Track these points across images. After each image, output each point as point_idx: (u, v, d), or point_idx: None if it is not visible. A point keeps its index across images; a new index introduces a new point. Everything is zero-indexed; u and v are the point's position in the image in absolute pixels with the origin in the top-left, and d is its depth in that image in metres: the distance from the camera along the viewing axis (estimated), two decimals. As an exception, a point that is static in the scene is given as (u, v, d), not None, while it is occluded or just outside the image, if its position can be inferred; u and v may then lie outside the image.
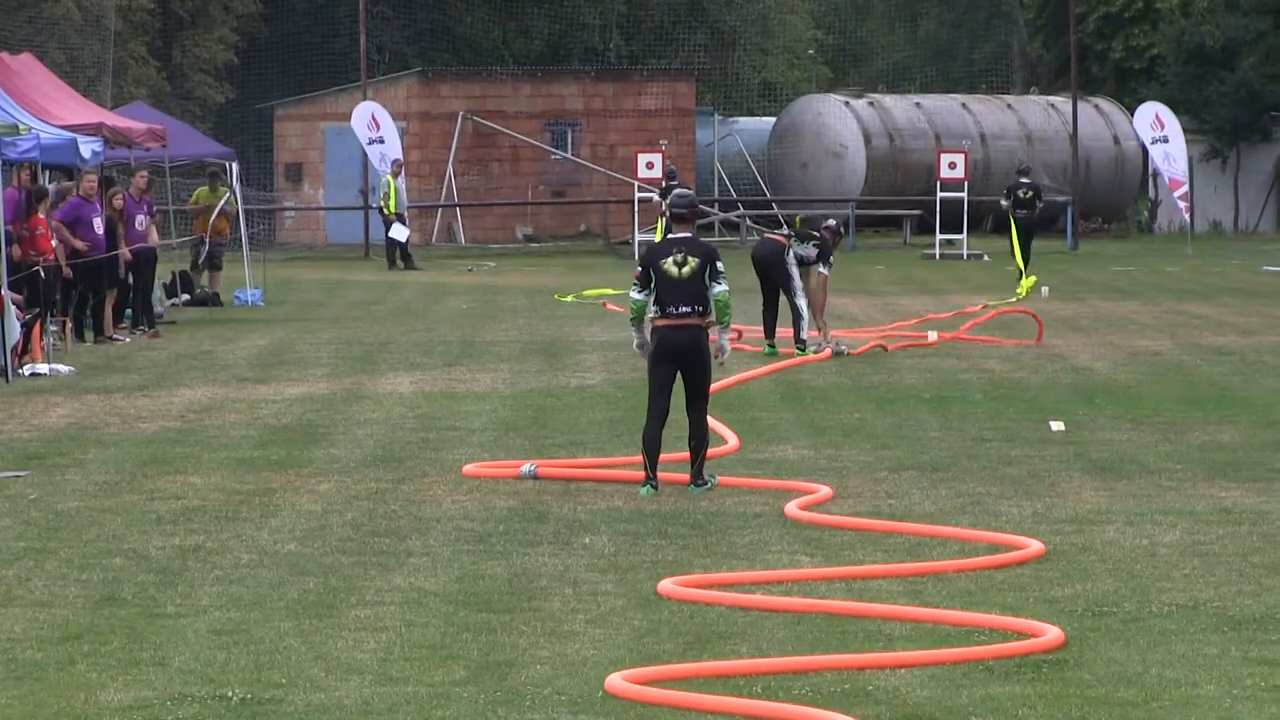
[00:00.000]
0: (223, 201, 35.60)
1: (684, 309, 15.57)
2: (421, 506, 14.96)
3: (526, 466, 16.26)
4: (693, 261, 15.55)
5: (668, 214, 17.11)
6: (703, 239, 17.31)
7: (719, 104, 61.49)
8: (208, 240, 36.04)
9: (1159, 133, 53.99)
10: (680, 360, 15.68)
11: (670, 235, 16.38)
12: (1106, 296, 36.92)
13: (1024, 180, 43.68)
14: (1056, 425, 18.86)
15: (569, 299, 34.67)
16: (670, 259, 15.62)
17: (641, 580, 12.13)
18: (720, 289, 15.69)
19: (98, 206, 28.65)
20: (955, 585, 12.06)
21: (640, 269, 15.95)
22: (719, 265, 15.69)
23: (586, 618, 11.18)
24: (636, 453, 16.03)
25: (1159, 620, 11.06)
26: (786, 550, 13.27)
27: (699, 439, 15.84)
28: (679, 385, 15.71)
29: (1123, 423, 19.43)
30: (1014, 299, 31.56)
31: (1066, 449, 17.72)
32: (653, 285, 15.64)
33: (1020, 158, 54.75)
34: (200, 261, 35.95)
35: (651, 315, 15.81)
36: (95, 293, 28.27)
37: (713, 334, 15.91)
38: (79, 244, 27.66)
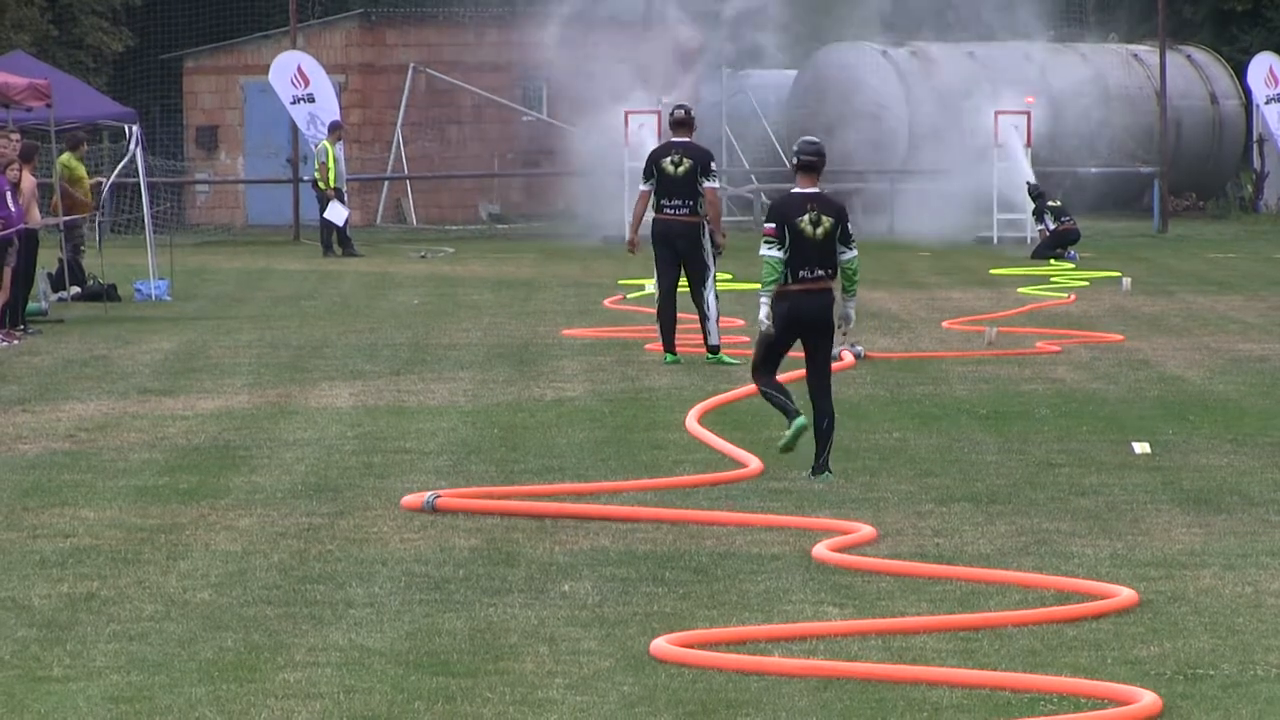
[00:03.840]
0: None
1: (819, 272, 16.99)
2: (364, 546, 14.96)
3: (427, 495, 16.37)
4: (826, 221, 16.94)
5: (795, 162, 18.02)
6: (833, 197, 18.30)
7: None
8: (98, 219, 36.23)
9: (1273, 90, 54.19)
10: (810, 329, 17.06)
11: (798, 190, 17.49)
12: (1201, 289, 37.03)
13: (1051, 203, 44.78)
14: (1141, 447, 18.90)
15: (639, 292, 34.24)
16: (805, 217, 16.90)
17: (633, 637, 12.11)
18: (851, 254, 17.26)
19: (8, 177, 28.82)
20: (1017, 643, 12.07)
21: (774, 225, 17.03)
22: (850, 227, 17.21)
23: (566, 682, 11.15)
24: (620, 479, 16.17)
25: (1265, 685, 11.05)
26: (811, 600, 13.28)
27: (829, 419, 17.14)
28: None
29: (1222, 444, 19.50)
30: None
31: (1153, 476, 17.76)
32: (787, 245, 16.77)
33: (1095, 118, 54.94)
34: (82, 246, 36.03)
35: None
36: None
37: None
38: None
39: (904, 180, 55.64)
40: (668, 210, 23.17)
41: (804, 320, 16.97)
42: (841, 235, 17.19)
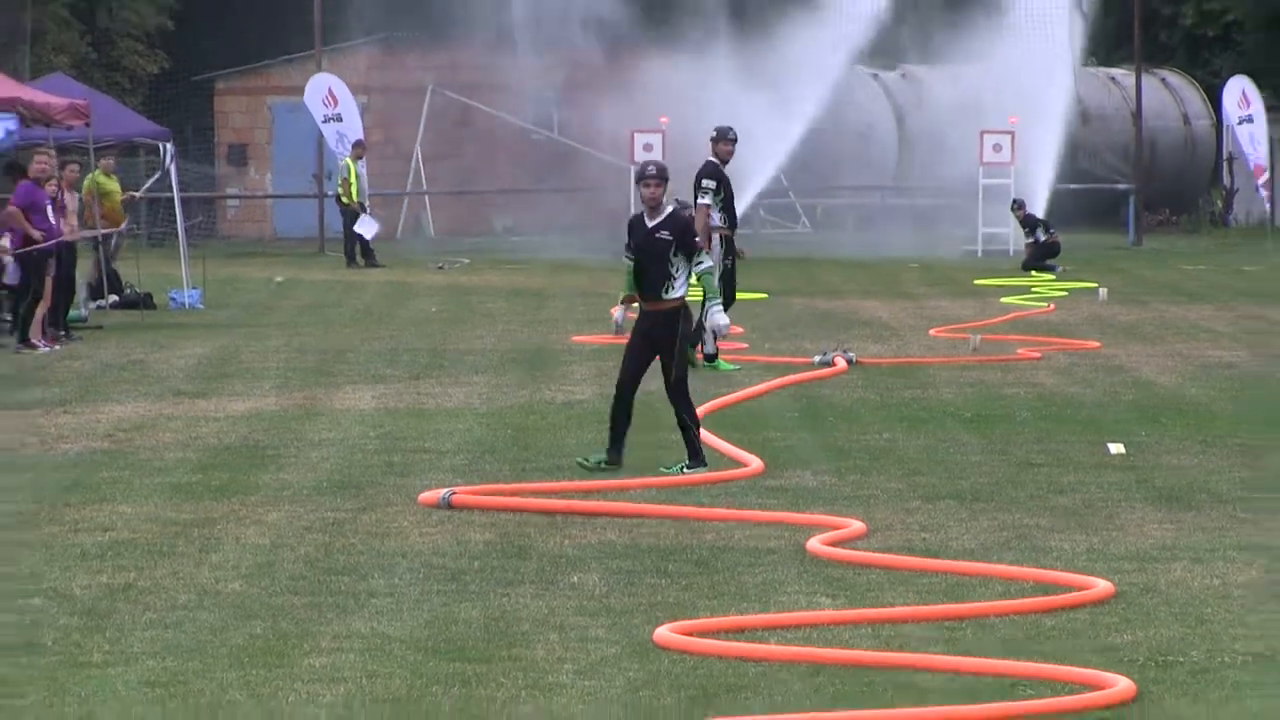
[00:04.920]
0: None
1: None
2: (385, 540, 14.96)
3: (443, 493, 16.35)
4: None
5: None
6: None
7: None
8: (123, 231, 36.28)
9: (1245, 111, 54.10)
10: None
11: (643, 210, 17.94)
12: (1174, 300, 36.99)
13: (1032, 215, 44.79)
14: (1115, 448, 18.91)
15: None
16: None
17: (638, 625, 12.12)
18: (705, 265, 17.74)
19: (48, 191, 28.90)
20: (998, 632, 12.08)
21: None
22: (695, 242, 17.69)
23: (575, 668, 11.17)
24: (625, 477, 16.20)
25: (1232, 671, 11.05)
26: (805, 591, 13.29)
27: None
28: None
29: (1192, 445, 19.48)
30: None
31: (1127, 475, 17.75)
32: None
33: (1076, 137, 54.88)
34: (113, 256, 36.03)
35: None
36: (38, 290, 28.46)
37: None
38: (36, 233, 27.97)
39: (894, 196, 55.61)
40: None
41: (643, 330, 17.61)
42: (685, 249, 17.52)
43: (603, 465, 17.59)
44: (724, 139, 25.89)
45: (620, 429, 17.77)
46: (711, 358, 25.19)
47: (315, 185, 53.14)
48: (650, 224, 17.66)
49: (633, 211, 19.42)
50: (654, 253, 17.56)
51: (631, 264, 17.80)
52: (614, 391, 18.00)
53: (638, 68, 55.59)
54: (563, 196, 54.81)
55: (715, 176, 25.30)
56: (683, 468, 17.72)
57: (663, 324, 17.58)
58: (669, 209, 17.90)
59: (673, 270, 17.54)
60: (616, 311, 18.42)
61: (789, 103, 50.43)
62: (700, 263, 17.72)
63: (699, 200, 25.23)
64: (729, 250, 25.42)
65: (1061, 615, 12.44)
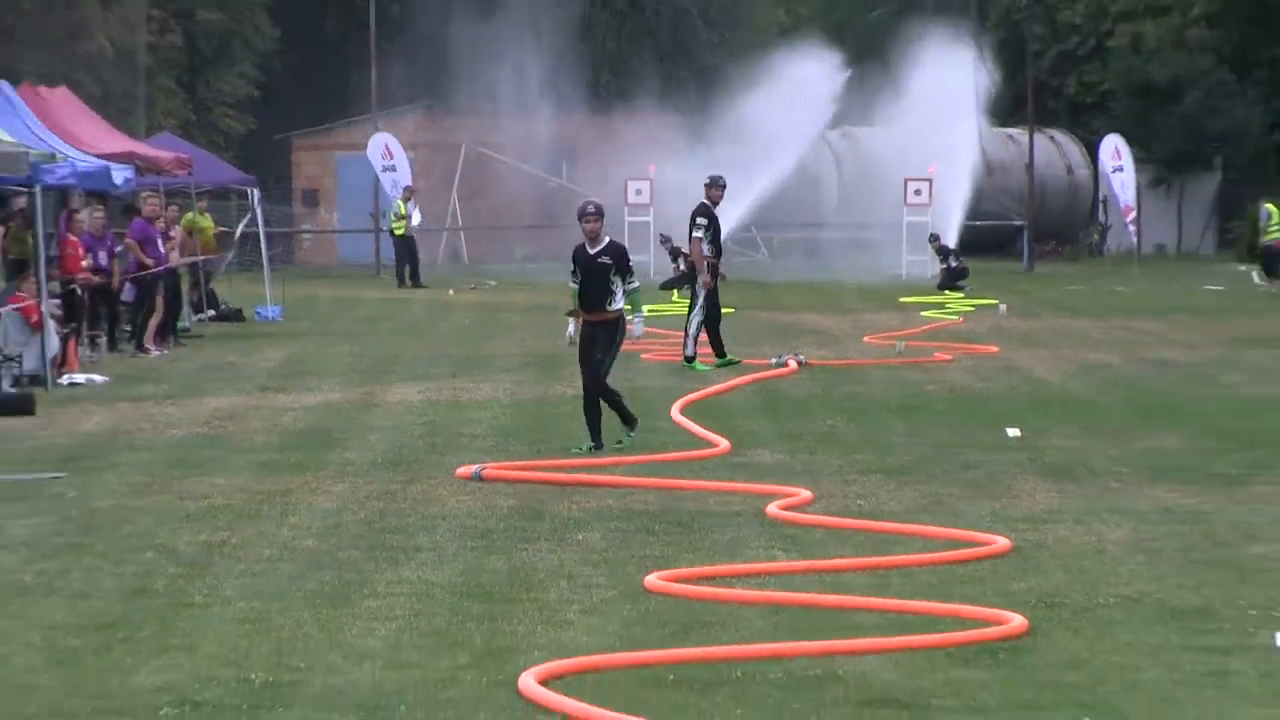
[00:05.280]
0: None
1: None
2: (428, 506, 14.96)
3: (475, 468, 16.26)
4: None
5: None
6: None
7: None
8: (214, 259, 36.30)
9: (1117, 163, 54.25)
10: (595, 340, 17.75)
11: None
12: (1060, 313, 37.02)
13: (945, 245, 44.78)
14: (1013, 432, 18.92)
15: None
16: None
17: (631, 574, 12.13)
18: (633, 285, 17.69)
19: (158, 227, 29.13)
20: (919, 579, 12.09)
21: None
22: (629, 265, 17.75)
23: (580, 608, 11.18)
24: (620, 456, 16.19)
25: (1106, 611, 11.08)
26: (764, 546, 13.28)
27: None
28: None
29: (1074, 430, 19.50)
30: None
31: (1022, 454, 17.75)
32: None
33: (981, 184, 54.89)
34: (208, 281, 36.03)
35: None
36: (150, 306, 28.71)
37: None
38: (148, 260, 28.15)
39: (835, 230, 55.57)
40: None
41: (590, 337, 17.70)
42: (621, 271, 17.55)
43: (591, 450, 17.57)
44: (715, 185, 25.75)
45: (594, 421, 17.71)
46: (690, 359, 25.17)
47: (371, 222, 53.11)
48: (592, 251, 17.60)
49: (623, 240, 19.29)
50: (596, 274, 17.51)
51: (576, 285, 17.74)
52: (583, 393, 17.94)
53: (631, 129, 55.76)
54: (570, 230, 54.57)
55: (707, 215, 25.16)
56: (626, 434, 17.86)
57: (605, 330, 17.63)
58: (606, 239, 17.80)
59: (612, 288, 17.49)
60: (571, 328, 18.28)
61: (755, 160, 50.26)
62: (632, 283, 17.69)
63: (693, 234, 25.12)
64: (714, 274, 25.34)
65: (969, 566, 12.45)
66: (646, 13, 67.10)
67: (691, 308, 25.33)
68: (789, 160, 52.12)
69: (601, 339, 17.60)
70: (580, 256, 17.63)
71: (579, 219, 17.93)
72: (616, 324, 17.60)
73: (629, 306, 17.73)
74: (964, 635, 10.34)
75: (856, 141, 57.43)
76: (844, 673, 9.65)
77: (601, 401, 17.74)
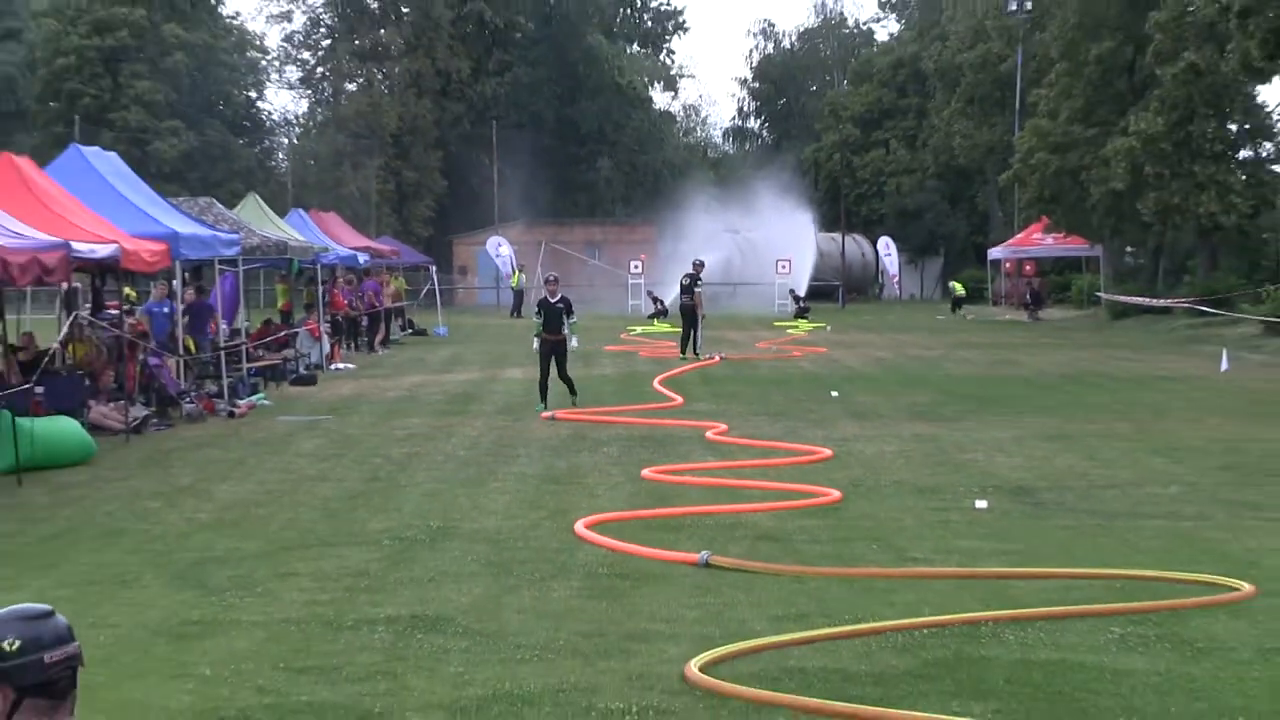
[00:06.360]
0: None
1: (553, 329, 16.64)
2: (524, 433, 14.86)
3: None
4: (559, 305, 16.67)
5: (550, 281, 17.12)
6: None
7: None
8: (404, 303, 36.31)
9: (887, 252, 54.19)
10: (550, 353, 16.79)
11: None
12: (861, 332, 36.82)
13: (797, 294, 44.24)
14: (834, 394, 18.66)
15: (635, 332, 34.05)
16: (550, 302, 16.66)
17: (633, 470, 12.03)
18: (572, 320, 16.68)
19: (377, 283, 29.25)
20: (785, 472, 11.98)
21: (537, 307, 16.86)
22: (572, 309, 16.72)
23: (606, 487, 11.13)
24: (625, 404, 16.07)
25: (885, 489, 11.03)
26: (700, 452, 13.23)
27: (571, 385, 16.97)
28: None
29: (870, 393, 19.38)
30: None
31: (839, 405, 17.61)
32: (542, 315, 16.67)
33: (817, 262, 54.44)
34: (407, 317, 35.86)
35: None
36: (374, 327, 28.66)
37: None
38: (376, 304, 28.35)
39: (741, 286, 55.35)
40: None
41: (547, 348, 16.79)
42: (568, 312, 16.66)
43: (545, 408, 16.60)
44: (697, 262, 26.00)
45: (544, 391, 16.85)
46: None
47: (494, 283, 52.84)
48: (551, 300, 16.75)
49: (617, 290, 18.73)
50: (553, 314, 16.74)
51: (540, 320, 16.80)
52: (539, 380, 17.06)
53: (631, 232, 55.69)
54: (603, 288, 54.81)
55: (696, 278, 25.09)
56: (573, 402, 17.05)
57: (558, 345, 16.79)
58: (559, 294, 16.82)
59: (563, 321, 16.75)
60: (535, 343, 17.16)
61: (699, 250, 50.04)
62: (572, 319, 16.77)
63: (695, 289, 24.85)
64: (694, 309, 25.11)
65: (809, 467, 12.35)
66: (638, 170, 67.07)
67: (694, 331, 25.16)
68: (717, 249, 51.83)
69: (559, 351, 16.92)
70: (544, 304, 16.85)
71: (544, 283, 17.09)
72: (564, 341, 16.96)
73: (569, 332, 17.00)
74: (805, 502, 10.30)
75: (749, 239, 57.04)
76: (743, 520, 9.60)
77: (556, 380, 17.00)
